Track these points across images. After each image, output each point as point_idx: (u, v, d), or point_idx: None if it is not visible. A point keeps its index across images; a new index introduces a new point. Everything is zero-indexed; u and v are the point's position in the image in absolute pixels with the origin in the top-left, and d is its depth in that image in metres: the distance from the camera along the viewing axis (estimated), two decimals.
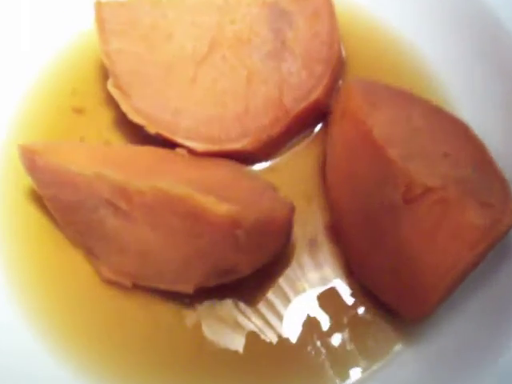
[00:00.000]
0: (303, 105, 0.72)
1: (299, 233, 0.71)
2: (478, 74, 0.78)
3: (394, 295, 0.65)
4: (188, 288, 0.64)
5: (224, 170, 0.69)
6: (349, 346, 0.67)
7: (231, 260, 0.61)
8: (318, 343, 0.67)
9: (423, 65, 0.81)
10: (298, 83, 0.72)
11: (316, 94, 0.72)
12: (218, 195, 0.58)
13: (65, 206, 0.67)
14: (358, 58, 0.80)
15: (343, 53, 0.80)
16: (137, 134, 0.74)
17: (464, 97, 0.78)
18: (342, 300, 0.69)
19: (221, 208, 0.57)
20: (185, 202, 0.58)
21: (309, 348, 0.67)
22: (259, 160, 0.75)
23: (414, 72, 0.81)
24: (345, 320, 0.68)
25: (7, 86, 0.79)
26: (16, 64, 0.80)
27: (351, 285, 0.69)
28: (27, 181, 0.68)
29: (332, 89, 0.75)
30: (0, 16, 0.80)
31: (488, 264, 0.64)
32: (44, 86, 0.80)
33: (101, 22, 0.72)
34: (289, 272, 0.70)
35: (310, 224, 0.72)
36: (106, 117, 0.77)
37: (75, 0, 0.82)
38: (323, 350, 0.66)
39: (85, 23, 0.80)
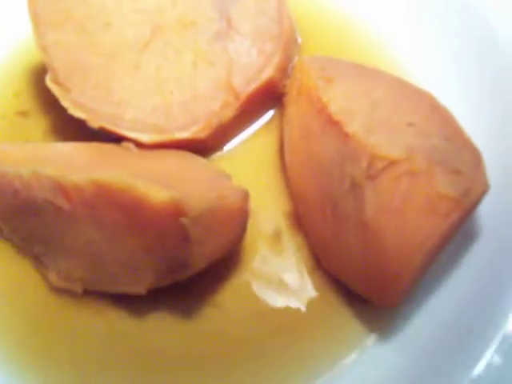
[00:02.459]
0: (254, 85, 0.68)
1: (260, 224, 0.67)
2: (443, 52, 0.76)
3: (363, 284, 0.61)
4: (140, 289, 0.60)
5: (172, 161, 0.66)
6: (318, 338, 0.63)
7: (181, 252, 0.56)
8: (286, 337, 0.63)
9: (382, 46, 0.78)
10: (248, 63, 0.69)
11: (267, 73, 0.69)
12: (161, 184, 0.54)
13: (6, 213, 0.64)
14: (313, 38, 0.77)
15: (297, 33, 0.77)
16: (83, 134, 0.70)
17: (424, 76, 0.75)
18: (310, 293, 0.65)
19: (162, 195, 0.53)
20: (125, 193, 0.54)
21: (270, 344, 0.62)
22: (213, 149, 0.72)
23: (373, 52, 0.78)
24: (314, 313, 0.64)
25: None
26: None
27: (319, 277, 0.65)
28: None
29: (285, 68, 0.72)
30: None
31: (460, 246, 0.62)
32: None
33: (35, 16, 0.68)
34: (250, 266, 0.66)
35: (271, 214, 0.68)
36: (51, 118, 0.75)
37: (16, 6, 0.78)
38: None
39: (25, 27, 0.74)
